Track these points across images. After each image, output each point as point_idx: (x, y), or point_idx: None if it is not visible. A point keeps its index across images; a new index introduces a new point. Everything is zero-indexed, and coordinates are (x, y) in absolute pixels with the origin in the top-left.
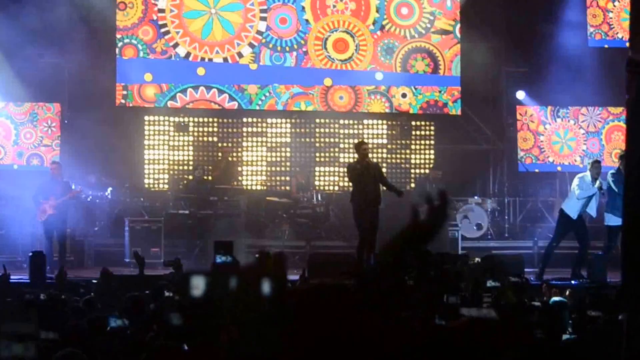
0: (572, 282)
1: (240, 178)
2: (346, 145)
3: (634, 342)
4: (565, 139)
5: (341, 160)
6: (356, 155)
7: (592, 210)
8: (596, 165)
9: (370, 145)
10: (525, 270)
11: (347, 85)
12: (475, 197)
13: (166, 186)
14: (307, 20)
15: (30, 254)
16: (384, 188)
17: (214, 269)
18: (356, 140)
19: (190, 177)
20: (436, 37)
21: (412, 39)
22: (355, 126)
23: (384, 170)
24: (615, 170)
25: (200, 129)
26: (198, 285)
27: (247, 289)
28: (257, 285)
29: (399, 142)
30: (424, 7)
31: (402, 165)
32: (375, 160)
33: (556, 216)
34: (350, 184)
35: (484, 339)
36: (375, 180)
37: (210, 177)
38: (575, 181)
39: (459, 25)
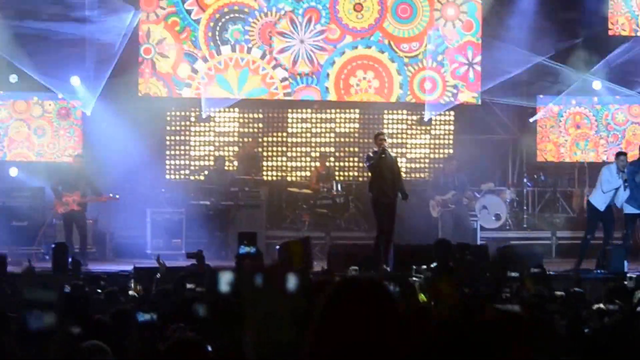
0: (591, 272)
1: (261, 169)
2: (366, 136)
3: None
4: (587, 150)
5: (361, 150)
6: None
7: (617, 201)
8: (622, 157)
9: (388, 134)
10: (544, 261)
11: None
12: (492, 187)
13: (187, 177)
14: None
15: (53, 245)
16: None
17: (239, 265)
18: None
19: (212, 168)
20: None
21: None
22: (375, 116)
23: (404, 160)
24: (635, 161)
25: (222, 120)
26: (224, 280)
27: (272, 285)
28: (282, 282)
29: (418, 131)
30: (447, 81)
31: (421, 155)
32: (394, 150)
33: (575, 207)
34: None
35: (506, 333)
36: (392, 171)
37: (231, 168)
38: (602, 173)
39: (479, 11)
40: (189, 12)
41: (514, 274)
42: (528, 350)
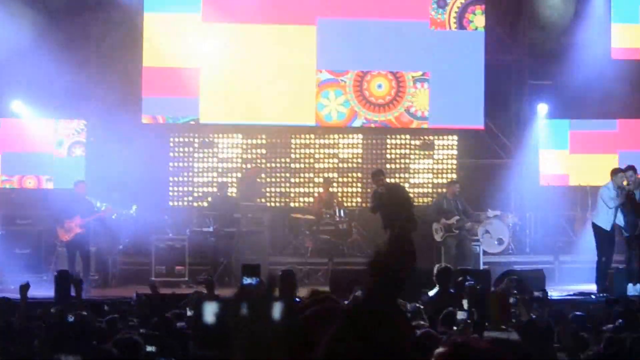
0: (592, 296)
1: (264, 195)
2: (369, 161)
3: None
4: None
5: (364, 176)
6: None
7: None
8: (620, 174)
9: (391, 159)
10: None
11: (387, 70)
12: (495, 211)
13: (190, 203)
14: None
15: (56, 273)
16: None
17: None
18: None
19: (215, 194)
20: None
21: None
22: (379, 140)
23: (406, 185)
24: (607, 185)
25: (225, 146)
26: (210, 312)
27: (257, 314)
28: (267, 311)
29: (421, 156)
30: None
31: (424, 180)
32: (397, 176)
33: (577, 230)
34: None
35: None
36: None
37: (233, 194)
38: (601, 193)
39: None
40: None
41: (511, 300)
42: None
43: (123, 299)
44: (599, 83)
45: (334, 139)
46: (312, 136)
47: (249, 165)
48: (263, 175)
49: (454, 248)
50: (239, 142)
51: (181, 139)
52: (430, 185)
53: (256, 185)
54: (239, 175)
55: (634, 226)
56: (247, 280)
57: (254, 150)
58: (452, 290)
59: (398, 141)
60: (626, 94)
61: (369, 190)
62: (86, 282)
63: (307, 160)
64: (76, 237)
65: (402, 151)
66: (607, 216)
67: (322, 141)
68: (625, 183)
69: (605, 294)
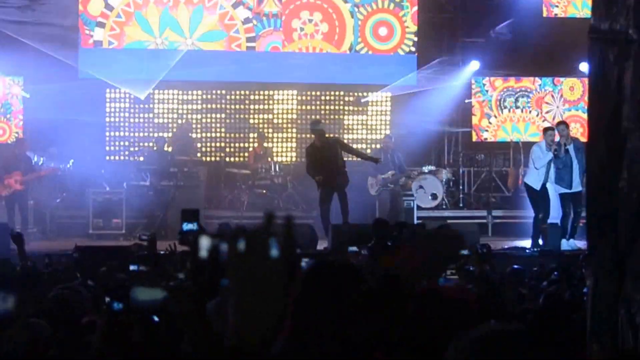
0: (527, 250)
1: (199, 150)
2: (304, 117)
3: (598, 308)
4: (526, 135)
5: (298, 132)
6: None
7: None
8: (549, 132)
9: (326, 114)
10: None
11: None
12: (429, 167)
13: (127, 158)
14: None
15: None
16: (358, 159)
17: (221, 231)
18: (312, 118)
19: (152, 149)
20: None
21: None
22: (313, 99)
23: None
24: (539, 144)
25: (161, 103)
26: (206, 246)
27: (255, 250)
28: (265, 247)
29: (355, 114)
30: (407, 27)
31: (359, 138)
32: (332, 134)
33: (510, 186)
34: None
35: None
36: (337, 155)
37: (169, 149)
38: (532, 151)
39: None
40: None
41: (464, 252)
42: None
43: (63, 252)
44: (530, 40)
45: (268, 94)
46: (247, 92)
47: (184, 120)
48: (199, 131)
49: (389, 202)
50: (175, 96)
51: (117, 93)
52: (363, 141)
53: (189, 139)
54: (174, 130)
55: (569, 182)
56: (188, 226)
57: (190, 105)
58: (389, 243)
59: (332, 98)
60: (557, 52)
61: (303, 145)
62: (24, 235)
63: (241, 116)
64: (15, 193)
65: (336, 107)
66: (538, 175)
67: (256, 97)
68: (556, 138)
69: (538, 248)
